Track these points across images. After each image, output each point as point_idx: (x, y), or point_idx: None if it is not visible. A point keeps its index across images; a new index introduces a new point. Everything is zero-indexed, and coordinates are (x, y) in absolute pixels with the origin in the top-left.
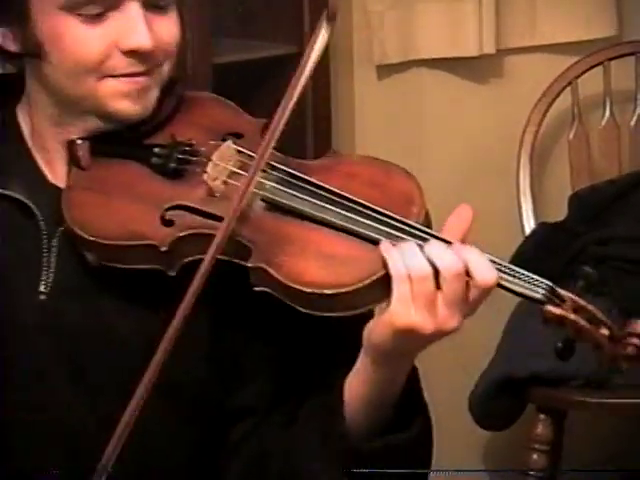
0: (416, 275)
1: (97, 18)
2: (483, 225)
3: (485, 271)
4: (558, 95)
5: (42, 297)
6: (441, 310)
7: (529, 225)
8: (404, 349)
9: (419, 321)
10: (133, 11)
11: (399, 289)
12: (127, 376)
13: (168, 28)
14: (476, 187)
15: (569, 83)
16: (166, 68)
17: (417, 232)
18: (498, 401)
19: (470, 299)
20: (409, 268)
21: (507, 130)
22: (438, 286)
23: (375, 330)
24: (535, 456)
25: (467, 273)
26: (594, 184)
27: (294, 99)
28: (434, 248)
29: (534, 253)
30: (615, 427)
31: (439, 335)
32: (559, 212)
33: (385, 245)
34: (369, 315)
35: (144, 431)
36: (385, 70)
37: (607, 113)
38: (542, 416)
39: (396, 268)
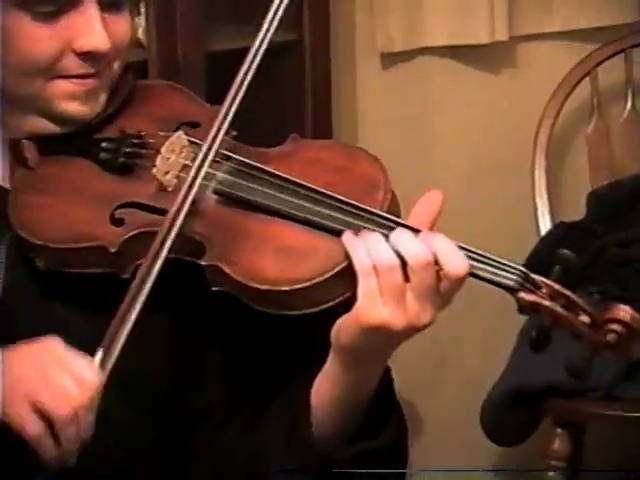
0: (382, 267)
1: (50, 16)
2: (495, 225)
3: (456, 260)
4: (576, 85)
5: None
6: (411, 304)
7: (545, 225)
8: (375, 348)
9: (388, 317)
10: (90, 11)
11: (365, 283)
12: None
13: (123, 27)
14: (488, 185)
15: (588, 72)
16: (116, 67)
17: (382, 220)
18: (511, 414)
19: (442, 290)
20: (374, 260)
21: (521, 123)
22: (406, 278)
23: (343, 329)
24: (551, 474)
25: (436, 262)
26: (614, 181)
27: (248, 79)
28: (400, 237)
29: (550, 255)
30: (637, 442)
31: (411, 331)
32: (577, 211)
33: (347, 236)
34: (338, 310)
35: (105, 433)
36: (390, 59)
37: (629, 104)
38: (559, 430)
39: (360, 260)
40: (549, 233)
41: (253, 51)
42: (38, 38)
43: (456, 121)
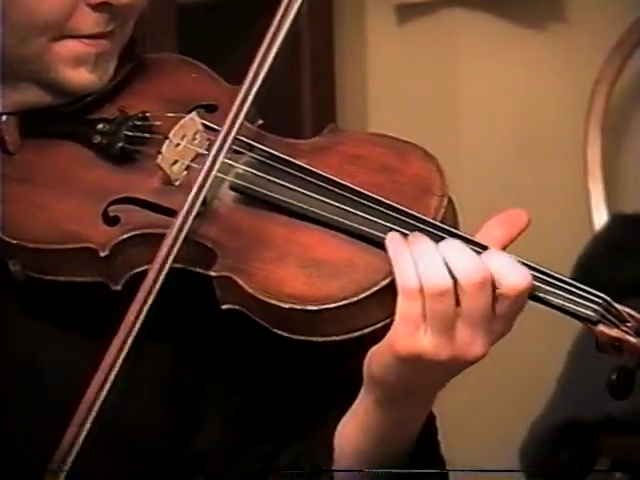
0: (431, 290)
1: None
2: (539, 218)
3: (515, 273)
4: (638, 44)
5: None
6: (460, 332)
7: (600, 217)
8: (414, 385)
9: (430, 346)
10: None
11: (405, 304)
12: (50, 422)
13: None
14: (530, 168)
15: None
16: (129, 26)
17: (436, 231)
18: (560, 453)
19: (498, 314)
20: (422, 279)
21: (570, 91)
22: (456, 300)
23: (375, 358)
24: None
25: (492, 283)
26: None
27: (273, 51)
28: (451, 249)
29: (607, 255)
30: None
31: (458, 365)
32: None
33: (393, 239)
34: (373, 340)
35: None
36: (408, 11)
37: None
38: (618, 474)
39: (404, 277)
40: (605, 227)
41: (281, 11)
42: None
43: (490, 89)
